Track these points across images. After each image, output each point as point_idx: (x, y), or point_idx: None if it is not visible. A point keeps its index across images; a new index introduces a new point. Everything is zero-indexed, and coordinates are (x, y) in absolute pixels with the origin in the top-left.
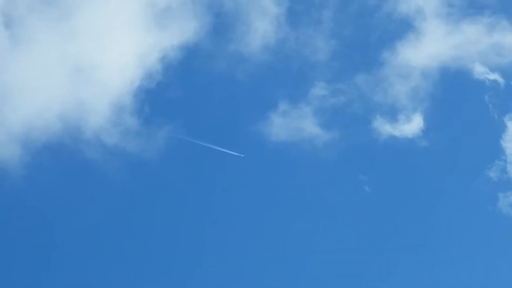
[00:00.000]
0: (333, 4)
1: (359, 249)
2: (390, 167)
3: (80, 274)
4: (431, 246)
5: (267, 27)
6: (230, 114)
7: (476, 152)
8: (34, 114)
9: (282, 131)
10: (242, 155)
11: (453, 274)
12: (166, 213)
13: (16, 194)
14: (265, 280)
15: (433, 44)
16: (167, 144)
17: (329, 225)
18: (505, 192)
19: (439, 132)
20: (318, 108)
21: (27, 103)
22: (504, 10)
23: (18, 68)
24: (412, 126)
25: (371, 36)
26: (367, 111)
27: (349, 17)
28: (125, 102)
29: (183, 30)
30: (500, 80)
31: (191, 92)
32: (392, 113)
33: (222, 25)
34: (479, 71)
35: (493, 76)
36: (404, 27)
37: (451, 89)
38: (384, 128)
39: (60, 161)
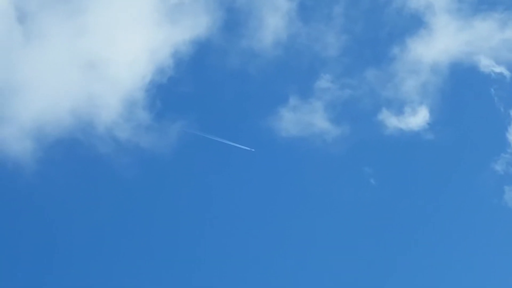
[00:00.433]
0: (343, 0)
1: (368, 244)
2: (396, 160)
3: (92, 269)
4: (437, 239)
5: (279, 23)
6: (241, 109)
7: (482, 145)
8: (46, 109)
9: (293, 126)
10: (253, 150)
11: (459, 267)
12: (178, 208)
13: (29, 189)
14: (278, 273)
15: (444, 40)
16: (179, 139)
17: (339, 220)
18: (511, 185)
19: (445, 125)
20: (329, 103)
21: (39, 98)
22: None
23: (30, 63)
24: (417, 119)
25: (381, 31)
26: (377, 106)
27: (359, 13)
28: (137, 97)
29: (195, 25)
30: (506, 73)
31: (203, 87)
32: (399, 106)
33: (233, 21)
34: (485, 64)
35: (499, 69)
36: (414, 23)
37: (460, 83)
38: (390, 121)
39: (73, 156)
